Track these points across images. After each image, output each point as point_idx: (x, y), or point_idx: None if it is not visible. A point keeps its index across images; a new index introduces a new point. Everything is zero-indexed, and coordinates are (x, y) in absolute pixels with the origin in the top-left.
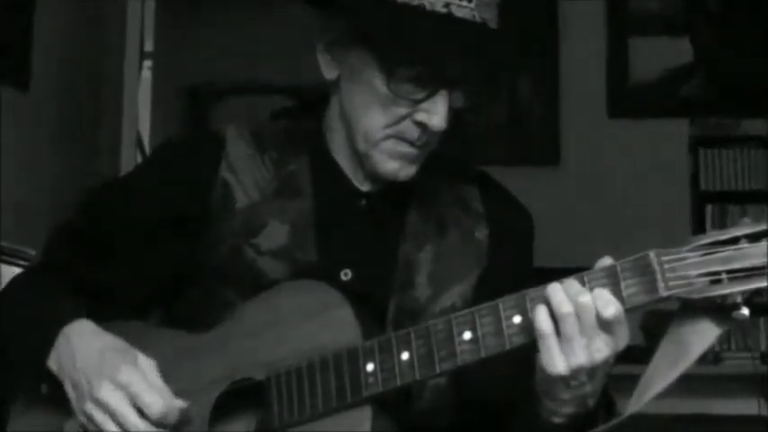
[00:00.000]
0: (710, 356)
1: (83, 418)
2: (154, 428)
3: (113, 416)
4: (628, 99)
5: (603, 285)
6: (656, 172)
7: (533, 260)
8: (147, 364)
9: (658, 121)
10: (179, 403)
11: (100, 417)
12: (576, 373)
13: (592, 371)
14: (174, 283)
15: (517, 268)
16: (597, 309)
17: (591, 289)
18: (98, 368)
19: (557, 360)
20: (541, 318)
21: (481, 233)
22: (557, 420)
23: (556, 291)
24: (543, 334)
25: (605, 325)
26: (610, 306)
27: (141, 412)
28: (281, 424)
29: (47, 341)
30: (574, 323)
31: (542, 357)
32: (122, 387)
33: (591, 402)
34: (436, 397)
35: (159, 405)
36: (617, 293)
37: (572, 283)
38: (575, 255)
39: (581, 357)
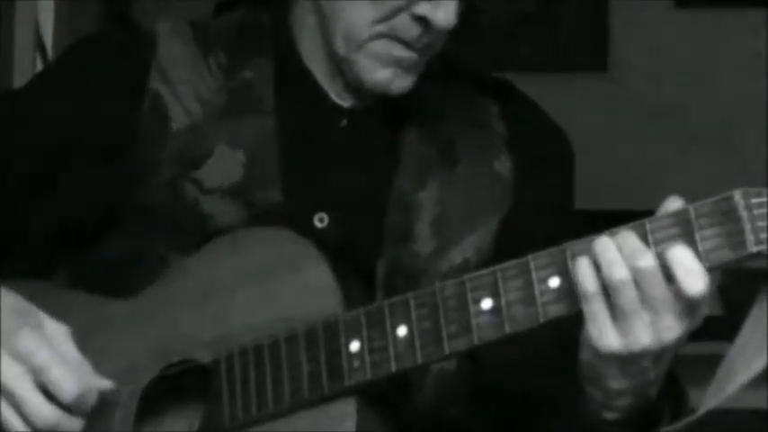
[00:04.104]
0: None
1: None
2: (64, 416)
3: (9, 397)
4: None
5: (672, 237)
6: (737, 81)
7: (574, 200)
8: (56, 329)
9: (740, 12)
10: (101, 383)
11: None
12: (636, 356)
13: (658, 354)
14: (87, 230)
15: (552, 211)
16: (678, 281)
17: (655, 243)
18: None
19: (608, 332)
20: (584, 272)
21: (503, 164)
22: (609, 416)
23: (606, 248)
24: (587, 294)
25: (685, 300)
26: (698, 280)
27: (48, 393)
28: (232, 423)
29: None
30: (632, 294)
31: (589, 329)
32: (23, 358)
33: (653, 391)
34: (442, 387)
35: (73, 383)
36: (691, 248)
37: (628, 237)
38: (630, 193)
39: (644, 337)
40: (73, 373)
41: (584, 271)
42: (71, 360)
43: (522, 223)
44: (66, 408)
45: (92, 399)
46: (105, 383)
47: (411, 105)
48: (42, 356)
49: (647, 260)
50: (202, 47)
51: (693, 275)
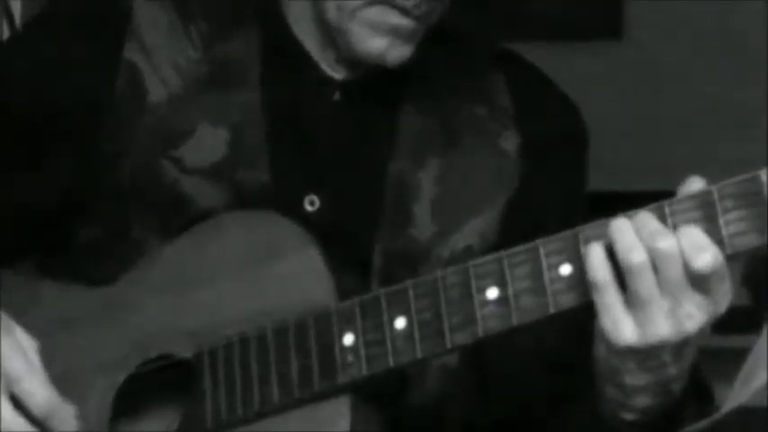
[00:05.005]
0: None
1: None
2: (32, 429)
3: None
4: None
5: (693, 220)
6: (759, 48)
7: (587, 180)
8: (28, 343)
9: None
10: (70, 410)
11: None
12: (655, 349)
13: (679, 346)
14: (58, 215)
15: (563, 192)
16: (685, 256)
17: (675, 226)
18: None
19: (623, 324)
20: (595, 260)
21: (509, 141)
22: (627, 417)
23: (623, 230)
24: (598, 284)
25: (698, 280)
26: (704, 253)
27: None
28: (215, 424)
29: None
30: (650, 279)
31: (602, 322)
32: None
33: (676, 388)
34: (444, 383)
35: (44, 395)
36: (713, 233)
37: (646, 219)
38: (647, 173)
39: (663, 327)
40: (45, 387)
41: (595, 258)
42: (41, 375)
43: (530, 205)
44: (36, 422)
45: (67, 422)
46: (73, 410)
47: (409, 78)
48: (15, 365)
49: (668, 241)
50: (182, 14)
51: (699, 248)
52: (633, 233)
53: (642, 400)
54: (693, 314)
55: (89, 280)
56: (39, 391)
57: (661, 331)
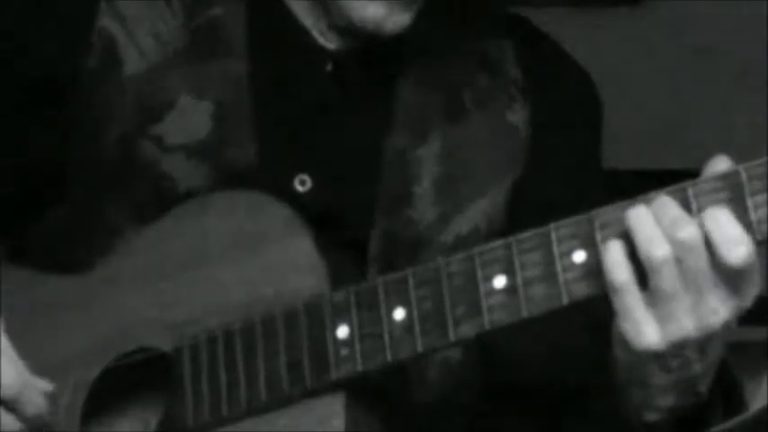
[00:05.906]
0: None
1: None
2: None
3: None
4: None
5: (720, 203)
6: None
7: (602, 158)
8: None
9: None
10: (41, 384)
11: None
12: (677, 347)
13: (702, 343)
14: (28, 197)
15: (577, 171)
16: (716, 247)
17: (700, 210)
18: None
19: (644, 327)
20: (613, 259)
21: (518, 114)
22: (650, 417)
23: (641, 220)
24: (618, 288)
25: (726, 274)
26: (738, 246)
27: None
28: (197, 423)
29: None
30: (672, 273)
31: (621, 323)
32: None
33: (702, 387)
34: (446, 380)
35: (14, 377)
36: (741, 216)
37: (667, 205)
38: (668, 150)
39: (686, 324)
40: (14, 367)
41: (613, 257)
42: (7, 354)
43: (540, 185)
44: (5, 404)
45: (36, 401)
46: (44, 384)
47: (409, 47)
48: None
49: (690, 230)
50: None
51: (733, 240)
52: (653, 223)
53: (667, 400)
54: (718, 309)
55: (62, 266)
56: (7, 371)
57: (684, 329)
